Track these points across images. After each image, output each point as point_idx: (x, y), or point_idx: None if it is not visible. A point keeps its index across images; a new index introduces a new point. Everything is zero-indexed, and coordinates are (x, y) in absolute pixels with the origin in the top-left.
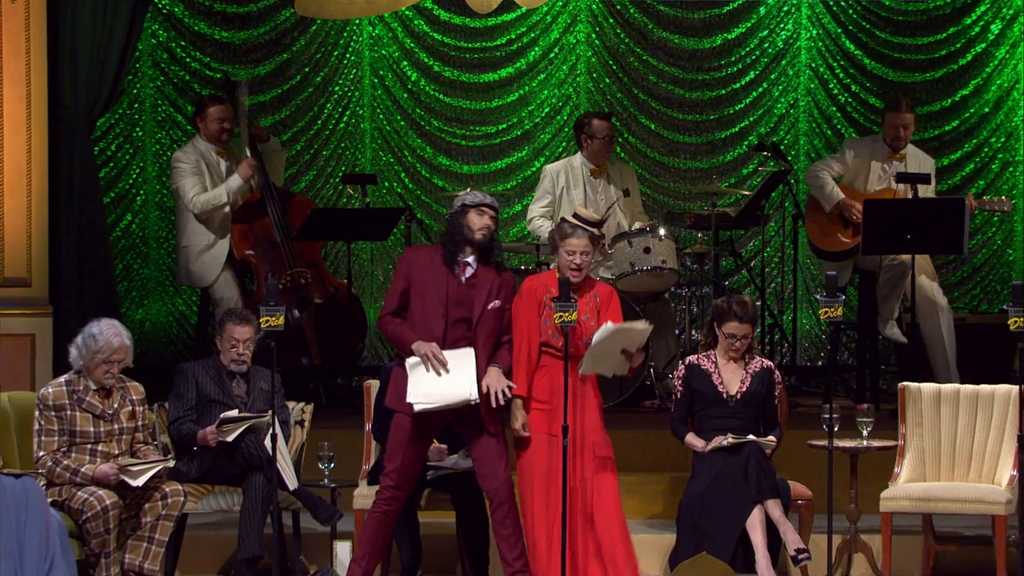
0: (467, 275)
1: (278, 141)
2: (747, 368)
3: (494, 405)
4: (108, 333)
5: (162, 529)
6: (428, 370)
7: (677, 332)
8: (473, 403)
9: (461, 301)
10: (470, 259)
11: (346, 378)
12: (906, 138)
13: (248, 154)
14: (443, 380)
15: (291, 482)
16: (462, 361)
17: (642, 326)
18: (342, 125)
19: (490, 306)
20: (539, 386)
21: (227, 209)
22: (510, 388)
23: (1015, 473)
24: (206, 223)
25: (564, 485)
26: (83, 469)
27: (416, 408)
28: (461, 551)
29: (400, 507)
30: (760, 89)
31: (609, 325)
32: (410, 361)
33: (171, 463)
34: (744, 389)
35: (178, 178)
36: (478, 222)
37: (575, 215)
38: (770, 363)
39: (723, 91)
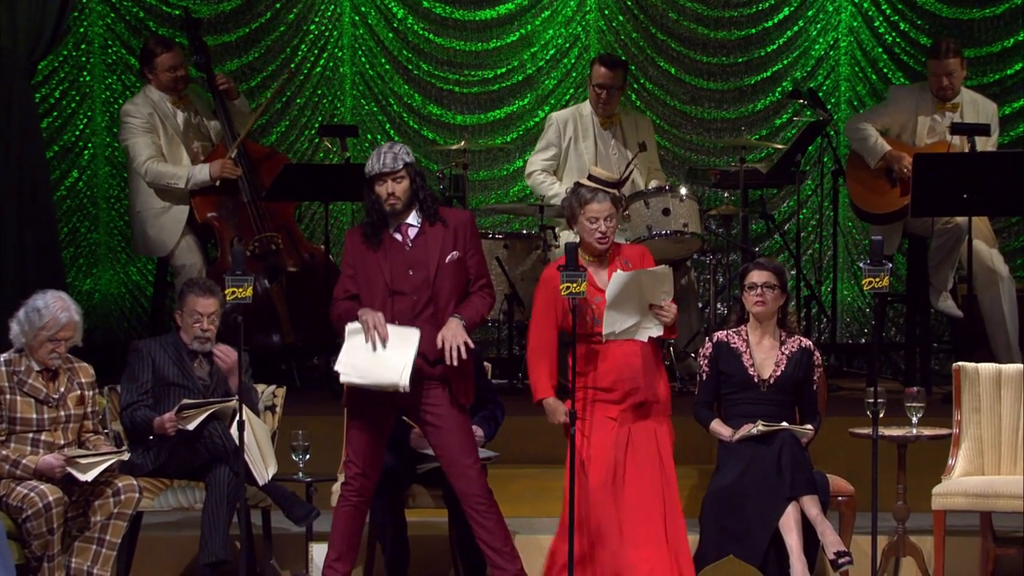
0: (412, 237)
1: (246, 100)
2: (782, 348)
3: (449, 363)
4: (54, 307)
5: (113, 530)
6: (366, 341)
7: (700, 305)
8: (402, 391)
9: (413, 265)
10: (410, 220)
11: (323, 358)
12: (952, 87)
13: (233, 154)
14: (377, 355)
15: (261, 476)
16: (404, 340)
17: (662, 269)
18: (318, 69)
19: (447, 259)
20: (600, 374)
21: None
22: (468, 346)
23: None
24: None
25: (572, 478)
26: (24, 461)
27: (342, 379)
28: (454, 553)
29: (370, 497)
30: (795, 28)
31: (620, 273)
32: (350, 327)
33: (125, 456)
34: (778, 373)
35: (128, 135)
36: (382, 192)
37: (590, 176)
38: (809, 343)
39: (753, 30)
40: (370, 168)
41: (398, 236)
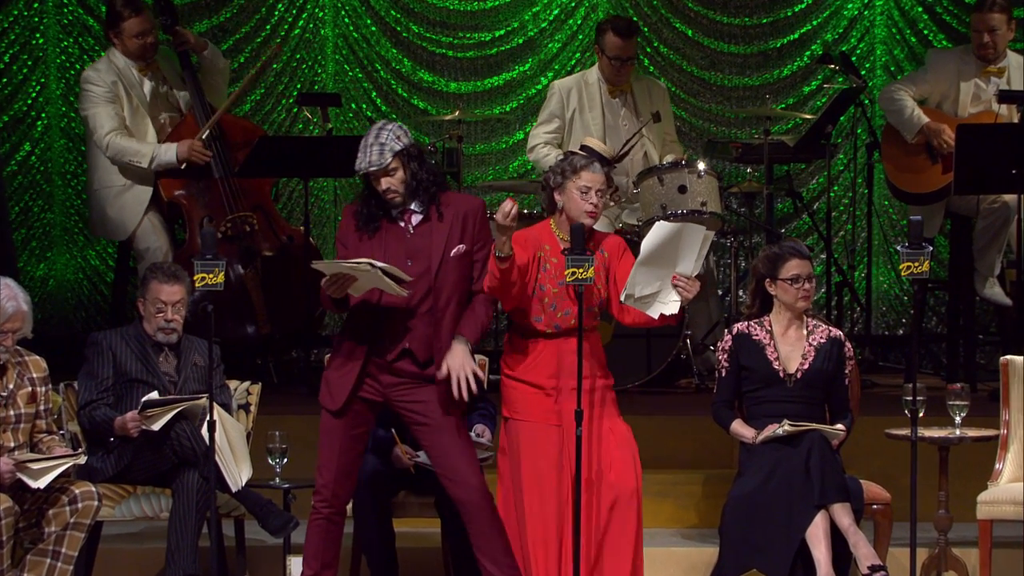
0: (415, 224)
1: (219, 51)
2: (810, 339)
3: (457, 397)
4: (1, 296)
5: (70, 541)
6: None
7: (720, 293)
8: (403, 283)
9: (414, 255)
10: (413, 206)
11: (302, 351)
12: (993, 45)
13: (204, 135)
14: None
15: (234, 482)
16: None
17: (706, 229)
18: (297, 32)
19: (452, 252)
20: (540, 365)
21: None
22: (478, 378)
23: None
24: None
25: (578, 483)
26: None
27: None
28: (447, 566)
29: (344, 508)
30: None
31: (663, 223)
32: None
33: (83, 459)
34: (806, 367)
35: (89, 105)
36: (381, 186)
37: (583, 147)
38: (839, 332)
39: None
40: (358, 165)
41: (400, 222)
